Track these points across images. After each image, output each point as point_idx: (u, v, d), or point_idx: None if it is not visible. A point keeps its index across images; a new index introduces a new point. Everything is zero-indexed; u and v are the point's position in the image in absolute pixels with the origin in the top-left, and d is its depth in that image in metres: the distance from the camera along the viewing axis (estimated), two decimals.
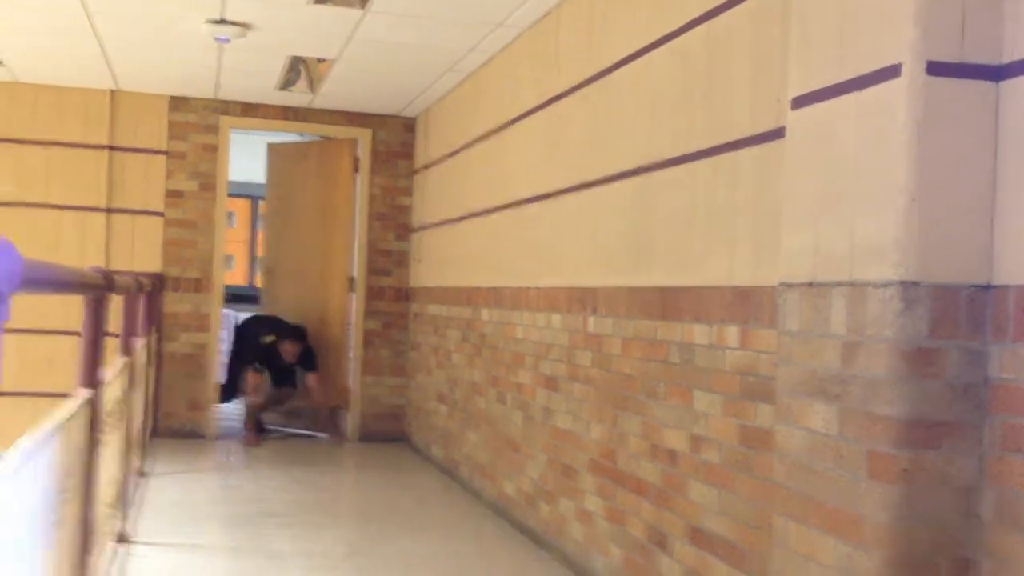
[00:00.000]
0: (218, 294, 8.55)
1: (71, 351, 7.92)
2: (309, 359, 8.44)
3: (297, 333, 8.42)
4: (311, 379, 8.44)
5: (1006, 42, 2.38)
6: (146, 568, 4.64)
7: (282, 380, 8.57)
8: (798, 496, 2.73)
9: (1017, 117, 2.34)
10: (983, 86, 2.38)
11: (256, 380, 8.35)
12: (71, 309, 7.95)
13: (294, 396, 8.70)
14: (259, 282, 11.22)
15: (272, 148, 9.35)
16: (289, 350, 8.32)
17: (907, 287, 2.37)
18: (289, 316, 8.94)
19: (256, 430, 8.37)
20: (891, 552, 2.39)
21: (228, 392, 8.71)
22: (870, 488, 2.45)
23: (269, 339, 8.36)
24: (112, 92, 8.24)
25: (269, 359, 8.37)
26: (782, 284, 2.86)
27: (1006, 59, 2.37)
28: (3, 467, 1.86)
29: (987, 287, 2.39)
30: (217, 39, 6.04)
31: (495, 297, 6.31)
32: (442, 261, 7.81)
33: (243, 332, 8.72)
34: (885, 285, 2.42)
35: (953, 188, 2.38)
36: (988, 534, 2.37)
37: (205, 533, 5.40)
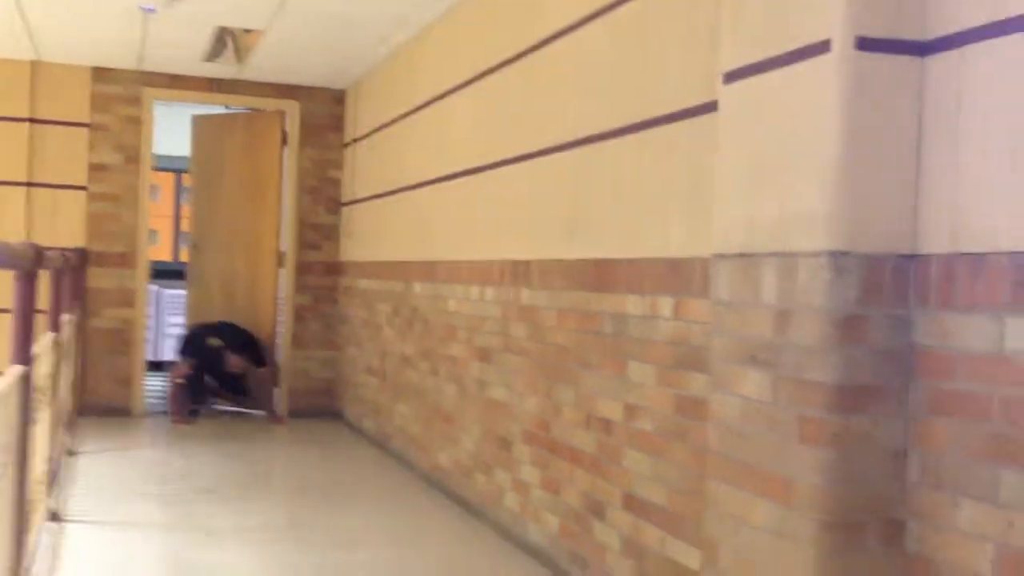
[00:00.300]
0: (143, 269, 8.42)
1: None
2: (259, 357, 8.35)
3: (248, 349, 8.26)
4: (262, 373, 8.42)
5: (931, 18, 2.45)
6: (80, 546, 4.58)
7: (231, 387, 8.46)
8: (732, 461, 2.81)
9: (941, 92, 2.42)
10: (910, 61, 2.45)
11: (184, 368, 8.14)
12: None
13: (244, 401, 8.59)
14: (185, 257, 11.05)
15: (196, 120, 9.20)
16: (234, 363, 8.17)
17: (837, 257, 2.45)
18: (217, 291, 8.86)
19: (184, 410, 8.18)
20: (822, 513, 2.48)
21: (196, 399, 8.44)
22: (802, 452, 2.53)
23: (215, 342, 8.17)
24: (32, 63, 8.02)
25: (212, 361, 8.16)
26: (715, 255, 2.93)
27: (931, 35, 2.45)
28: None
29: (912, 256, 2.48)
30: (143, 8, 5.93)
31: (428, 271, 6.32)
32: (374, 235, 7.78)
33: (193, 335, 8.48)
34: (816, 255, 2.49)
35: (880, 161, 2.46)
36: (914, 495, 2.47)
37: (138, 511, 5.35)
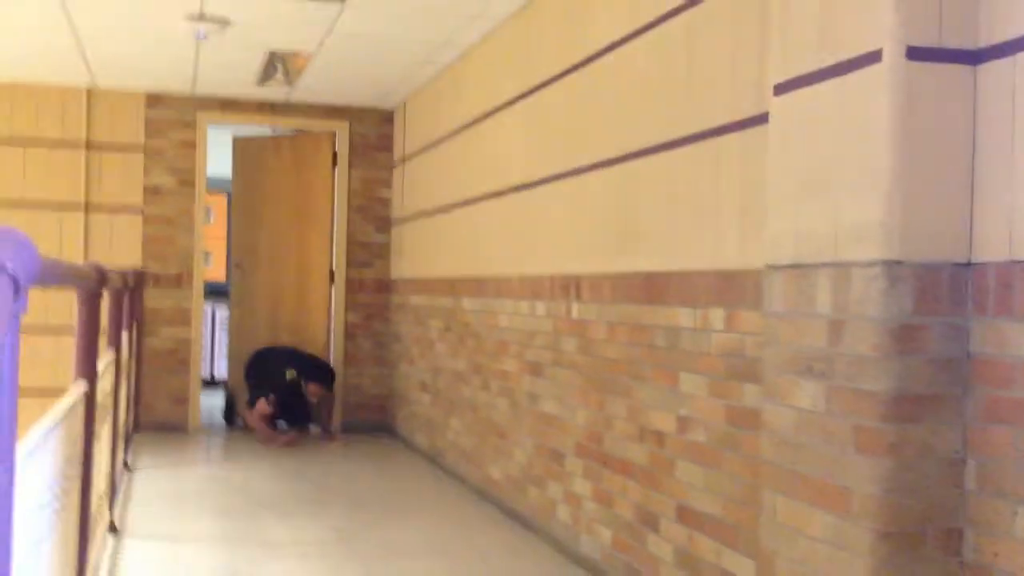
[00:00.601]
0: (198, 289, 8.56)
1: (50, 348, 7.93)
2: (331, 381, 8.37)
3: (323, 374, 8.22)
4: (327, 394, 8.37)
5: (982, 27, 2.46)
6: (139, 559, 4.67)
7: (297, 418, 8.33)
8: (787, 471, 2.81)
9: (993, 99, 2.43)
10: (961, 70, 2.46)
11: (264, 409, 7.99)
12: (51, 306, 7.96)
13: (303, 436, 8.39)
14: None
15: (239, 142, 9.28)
16: (314, 391, 8.13)
17: (891, 266, 2.45)
18: (263, 311, 8.95)
19: (277, 432, 8.13)
20: (880, 523, 2.47)
21: (229, 413, 8.64)
22: (858, 462, 2.53)
23: (291, 374, 8.06)
24: (88, 90, 8.22)
25: (290, 395, 8.06)
26: (767, 266, 2.94)
27: (982, 43, 2.45)
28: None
29: (967, 264, 2.48)
30: (196, 35, 6.06)
31: (478, 286, 6.37)
32: (424, 252, 7.85)
33: (262, 362, 8.34)
34: (870, 265, 2.49)
35: (934, 170, 2.46)
36: (971, 503, 2.46)
37: (196, 523, 5.44)
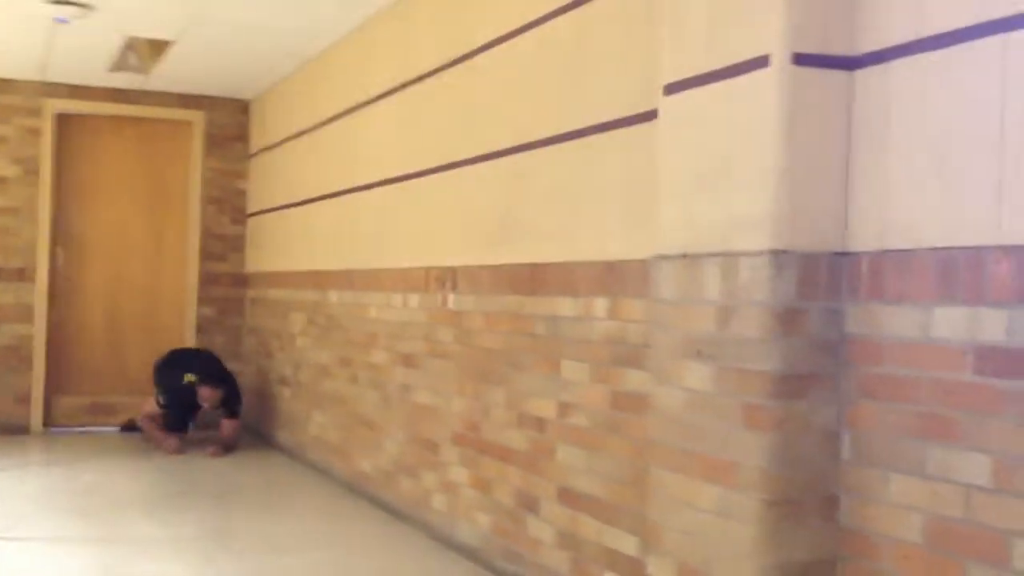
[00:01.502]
0: (42, 284, 8.23)
1: None
2: (232, 405, 7.64)
3: (219, 378, 7.60)
4: (228, 425, 7.60)
5: (859, 36, 2.69)
6: (6, 564, 4.51)
7: (177, 421, 7.63)
8: (676, 449, 2.99)
9: (869, 102, 2.66)
10: (841, 75, 2.68)
11: (152, 408, 7.60)
12: None
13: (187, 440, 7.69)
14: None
15: (64, 119, 8.39)
16: (206, 395, 7.48)
17: (777, 255, 2.66)
18: (101, 298, 8.54)
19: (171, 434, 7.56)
20: (765, 493, 2.67)
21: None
22: (746, 437, 2.72)
23: (189, 378, 7.52)
24: None
25: (184, 397, 7.53)
26: (657, 256, 3.11)
27: (860, 51, 2.68)
28: None
29: (843, 254, 2.70)
30: (56, 19, 5.86)
31: (346, 279, 6.39)
32: (285, 245, 7.79)
33: (166, 367, 7.79)
34: (758, 254, 2.69)
35: (815, 167, 2.68)
36: (847, 472, 2.69)
37: (60, 525, 5.27)
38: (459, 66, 4.95)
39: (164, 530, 5.15)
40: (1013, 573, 2.24)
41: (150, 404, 7.67)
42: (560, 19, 4.05)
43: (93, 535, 5.06)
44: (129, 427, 8.21)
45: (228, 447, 7.50)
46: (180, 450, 7.38)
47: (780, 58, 2.64)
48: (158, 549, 4.80)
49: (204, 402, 7.50)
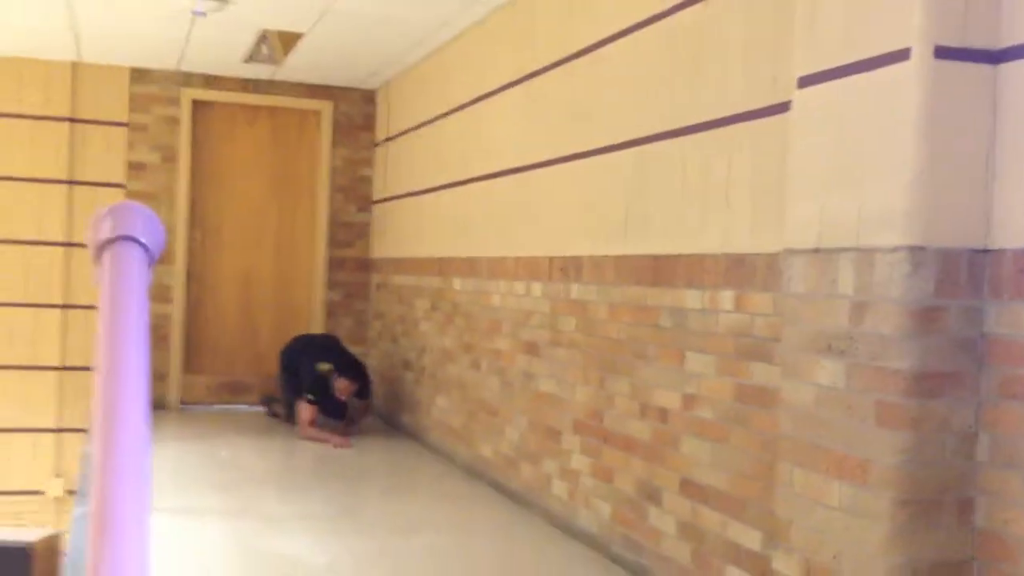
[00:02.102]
0: (180, 266, 8.57)
1: (30, 323, 7.93)
2: (365, 394, 7.66)
3: (356, 371, 7.49)
4: (360, 403, 7.64)
5: (1003, 29, 2.62)
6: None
7: (331, 412, 7.50)
8: (806, 445, 2.97)
9: (1012, 97, 2.59)
10: (983, 69, 2.62)
11: (311, 414, 7.28)
12: (27, 280, 7.97)
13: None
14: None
15: (200, 108, 8.66)
16: (343, 387, 7.35)
17: (914, 251, 2.61)
18: (235, 281, 8.83)
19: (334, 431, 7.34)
20: (898, 492, 2.64)
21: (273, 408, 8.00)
22: (879, 435, 2.69)
23: (325, 368, 7.37)
24: (73, 63, 8.19)
25: (323, 389, 7.38)
26: (787, 250, 3.09)
27: (1003, 44, 2.61)
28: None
29: (985, 251, 2.64)
30: (194, 12, 6.09)
31: (469, 267, 6.48)
32: (409, 232, 7.94)
33: (296, 354, 7.76)
34: (893, 250, 2.65)
35: (955, 161, 2.62)
36: (983, 474, 2.64)
37: (196, 497, 5.51)
38: (583, 58, 4.97)
39: (293, 507, 5.34)
40: None
41: (304, 412, 7.29)
42: (685, 11, 4.04)
43: (229, 508, 5.28)
44: (266, 403, 8.31)
45: (354, 422, 7.51)
46: (347, 445, 7.05)
47: (921, 51, 2.59)
48: (289, 524, 4.98)
49: (340, 394, 7.34)
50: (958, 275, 2.63)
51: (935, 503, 2.65)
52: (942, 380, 2.63)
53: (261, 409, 8.40)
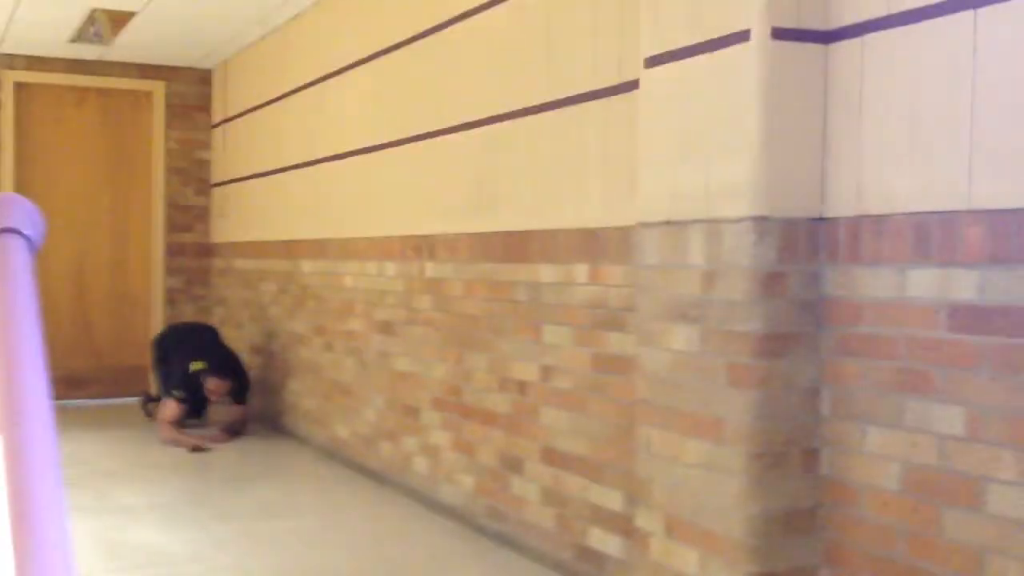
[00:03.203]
0: None
1: None
2: (240, 393, 7.10)
3: (230, 369, 7.00)
4: (236, 410, 7.11)
5: (832, 10, 2.81)
6: None
7: (194, 410, 7.14)
8: (662, 408, 3.13)
9: (842, 74, 2.79)
10: (816, 49, 2.81)
11: (174, 413, 6.83)
12: None
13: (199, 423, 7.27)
14: None
15: (24, 91, 8.32)
16: (215, 387, 6.86)
17: (759, 221, 2.79)
18: (66, 270, 8.47)
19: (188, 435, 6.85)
20: (751, 446, 2.82)
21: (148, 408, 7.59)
22: (731, 394, 2.87)
23: (197, 366, 6.91)
24: None
25: (192, 387, 6.93)
26: (640, 224, 3.23)
27: (834, 25, 2.80)
28: None
29: (821, 219, 2.84)
30: None
31: (319, 249, 6.45)
32: (252, 215, 7.81)
33: (168, 348, 7.31)
34: (740, 220, 2.82)
35: (793, 137, 2.81)
36: (826, 426, 2.85)
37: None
38: (432, 37, 5.01)
39: (149, 498, 5.23)
40: (986, 515, 2.41)
41: (168, 409, 6.90)
42: None
43: (82, 504, 5.13)
44: (145, 400, 7.77)
45: (233, 432, 6.97)
46: (204, 447, 6.64)
47: (760, 33, 2.76)
48: (145, 515, 4.88)
49: (211, 395, 6.89)
50: (798, 243, 2.82)
51: (784, 455, 2.84)
52: (786, 340, 2.82)
53: (123, 401, 8.14)
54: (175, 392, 6.90)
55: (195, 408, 7.14)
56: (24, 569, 1.03)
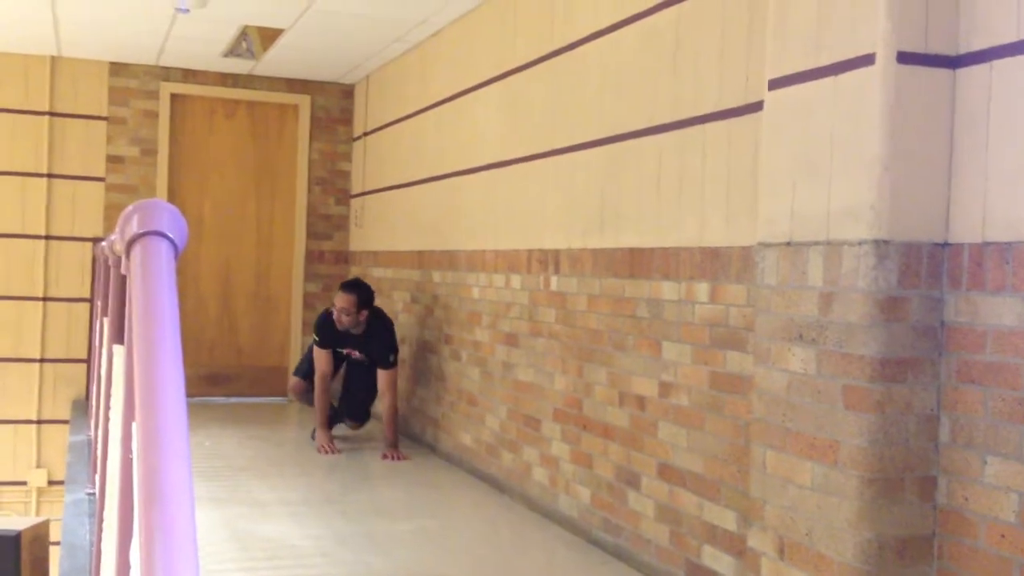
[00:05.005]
0: None
1: (12, 316, 7.97)
2: (381, 348, 6.50)
3: (350, 284, 6.51)
4: (384, 377, 6.52)
5: (961, 35, 2.78)
6: None
7: (353, 397, 6.84)
8: (777, 428, 3.14)
9: (969, 100, 2.76)
10: (943, 73, 2.78)
11: (322, 364, 6.51)
12: (8, 273, 8.02)
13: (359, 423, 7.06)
14: None
15: (179, 102, 8.75)
16: (339, 305, 6.26)
17: (879, 245, 2.78)
18: (215, 273, 8.85)
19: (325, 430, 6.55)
20: (865, 471, 2.81)
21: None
22: (846, 417, 2.86)
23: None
24: (52, 58, 8.24)
25: (329, 329, 6.48)
26: (760, 244, 3.25)
27: (962, 50, 2.78)
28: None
29: (944, 244, 2.81)
30: (178, 9, 6.17)
31: (449, 260, 6.61)
32: (388, 225, 8.06)
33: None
34: (860, 243, 2.82)
35: (917, 160, 2.79)
36: (944, 453, 2.81)
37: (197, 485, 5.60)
38: (562, 55, 5.11)
39: (280, 494, 5.46)
40: None
41: (320, 359, 6.52)
42: (663, 12, 4.19)
43: (217, 496, 5.39)
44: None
45: (390, 416, 6.46)
46: (334, 448, 6.46)
47: (885, 56, 2.75)
48: (274, 509, 5.10)
49: (339, 318, 6.30)
50: (920, 267, 2.80)
51: (900, 481, 2.82)
52: (905, 365, 2.80)
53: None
54: (314, 337, 6.64)
55: (353, 410, 6.97)
56: (149, 548, 1.14)
